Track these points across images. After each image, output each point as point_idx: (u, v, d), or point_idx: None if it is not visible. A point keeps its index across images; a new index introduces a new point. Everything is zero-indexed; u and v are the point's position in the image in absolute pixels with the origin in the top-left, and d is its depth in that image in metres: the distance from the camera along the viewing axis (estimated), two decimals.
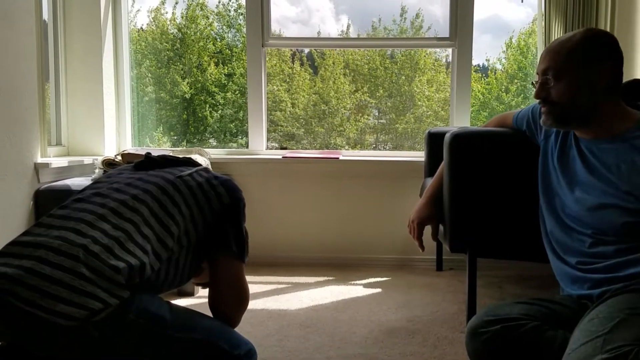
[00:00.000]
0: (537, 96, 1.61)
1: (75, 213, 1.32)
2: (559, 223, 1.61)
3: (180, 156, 1.64)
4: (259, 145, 3.33)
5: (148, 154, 1.61)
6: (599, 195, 1.49)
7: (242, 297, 1.55)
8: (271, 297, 2.62)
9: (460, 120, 3.23)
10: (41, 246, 1.22)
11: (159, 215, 1.36)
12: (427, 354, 1.98)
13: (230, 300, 1.54)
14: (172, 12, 4.34)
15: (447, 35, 3.24)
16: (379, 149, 4.41)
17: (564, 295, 1.60)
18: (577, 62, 1.54)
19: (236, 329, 1.50)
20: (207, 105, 4.46)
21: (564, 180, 1.61)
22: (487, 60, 4.75)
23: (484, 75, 4.69)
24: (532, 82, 1.66)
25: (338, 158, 3.18)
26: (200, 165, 1.60)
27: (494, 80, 4.68)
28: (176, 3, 4.26)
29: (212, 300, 1.54)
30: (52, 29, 3.13)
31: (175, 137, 4.40)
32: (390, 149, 4.40)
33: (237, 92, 4.48)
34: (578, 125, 1.60)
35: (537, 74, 1.62)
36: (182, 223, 1.39)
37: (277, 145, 4.22)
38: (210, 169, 1.73)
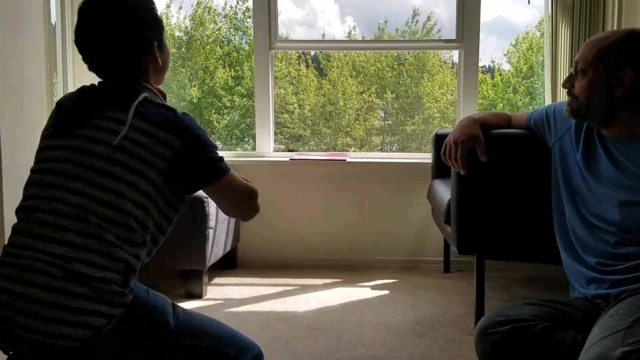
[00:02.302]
0: (563, 85, 1.65)
1: (35, 227, 1.24)
2: (582, 221, 1.60)
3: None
4: (266, 147, 3.34)
5: (66, 99, 1.43)
6: (627, 192, 1.49)
7: (244, 198, 1.48)
8: (279, 300, 2.62)
9: None
10: (25, 269, 1.18)
11: (112, 202, 1.25)
12: (436, 356, 1.97)
13: (235, 206, 1.50)
14: (177, 17, 4.36)
15: (454, 37, 3.23)
16: (386, 151, 4.41)
17: (575, 297, 1.60)
18: (603, 63, 1.54)
19: (243, 331, 1.49)
20: (214, 109, 4.47)
21: (590, 178, 1.59)
22: (493, 61, 4.75)
23: (490, 75, 4.69)
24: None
25: (345, 160, 3.18)
26: (136, 94, 1.35)
27: (500, 82, 4.67)
28: (180, 8, 4.27)
29: (222, 210, 1.53)
30: (60, 33, 3.15)
31: None
32: (396, 150, 4.40)
33: (244, 96, 4.49)
34: (596, 123, 1.61)
35: (575, 62, 1.63)
36: (134, 194, 1.28)
37: (283, 147, 4.23)
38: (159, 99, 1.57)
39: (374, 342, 2.10)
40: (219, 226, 2.71)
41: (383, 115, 4.56)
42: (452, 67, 4.16)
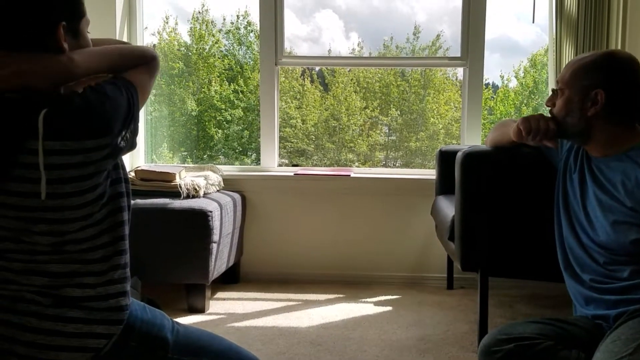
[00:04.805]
0: (545, 104, 1.69)
1: (13, 265, 1.17)
2: (576, 239, 1.61)
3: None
4: (271, 162, 3.35)
5: None
6: (607, 213, 1.50)
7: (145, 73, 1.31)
8: (282, 315, 2.61)
9: (472, 138, 3.23)
10: (17, 299, 1.16)
11: (80, 228, 1.16)
12: None
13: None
14: (176, 32, 4.39)
15: (458, 55, 3.25)
16: (389, 167, 4.42)
17: (578, 315, 1.59)
18: (577, 84, 1.58)
19: (246, 347, 1.47)
20: (213, 123, 4.49)
21: (579, 196, 1.61)
22: (502, 76, 4.77)
23: (498, 91, 4.71)
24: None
25: (349, 175, 3.19)
26: (36, 108, 1.09)
27: (512, 95, 4.69)
28: (176, 24, 4.31)
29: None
30: None
31: (186, 153, 4.43)
32: (400, 166, 4.40)
33: (246, 109, 4.51)
34: (575, 141, 1.66)
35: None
36: (95, 212, 1.18)
37: (287, 161, 4.24)
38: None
39: (377, 359, 2.10)
40: (223, 240, 2.71)
41: (387, 130, 4.58)
42: (457, 85, 4.18)
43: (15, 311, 1.16)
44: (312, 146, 4.52)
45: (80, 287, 1.18)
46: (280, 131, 3.53)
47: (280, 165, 3.47)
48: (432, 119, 4.40)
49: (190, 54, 4.45)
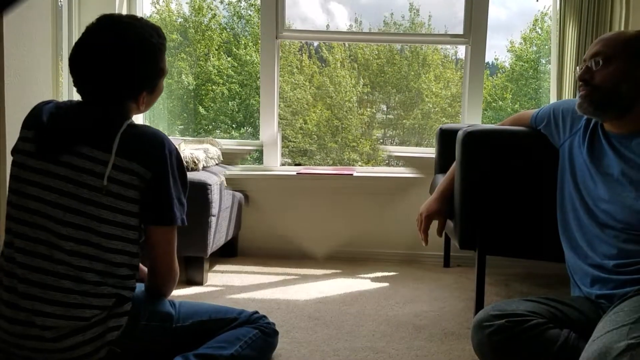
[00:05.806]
0: (580, 78, 1.61)
1: (28, 274, 1.29)
2: (591, 219, 1.61)
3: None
4: (274, 161, 3.33)
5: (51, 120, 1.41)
6: (637, 187, 1.50)
7: (172, 266, 1.54)
8: (279, 288, 2.63)
9: (472, 118, 3.22)
10: (30, 297, 1.27)
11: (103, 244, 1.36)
12: (434, 349, 1.99)
13: (162, 263, 1.52)
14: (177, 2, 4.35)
15: (461, 32, 3.22)
16: (387, 144, 4.43)
17: (575, 295, 1.61)
18: (631, 53, 1.54)
19: None
20: (209, 98, 4.49)
21: (597, 176, 1.60)
22: (496, 59, 4.76)
23: (497, 72, 4.70)
24: (577, 68, 1.66)
25: (352, 174, 3.18)
26: (119, 124, 1.42)
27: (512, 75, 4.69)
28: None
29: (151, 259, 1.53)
30: (66, 15, 3.13)
31: (182, 127, 4.43)
32: (397, 144, 4.41)
33: (242, 85, 4.50)
34: (614, 114, 1.59)
35: (584, 60, 1.63)
36: (122, 231, 1.40)
37: (290, 160, 4.23)
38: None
39: (373, 334, 2.12)
40: (222, 214, 2.71)
41: (385, 109, 4.59)
42: (457, 64, 4.16)
43: (26, 310, 1.26)
44: (315, 146, 4.53)
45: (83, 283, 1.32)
46: (283, 131, 3.52)
47: (283, 164, 3.45)
48: (426, 98, 4.41)
49: (188, 25, 4.42)
